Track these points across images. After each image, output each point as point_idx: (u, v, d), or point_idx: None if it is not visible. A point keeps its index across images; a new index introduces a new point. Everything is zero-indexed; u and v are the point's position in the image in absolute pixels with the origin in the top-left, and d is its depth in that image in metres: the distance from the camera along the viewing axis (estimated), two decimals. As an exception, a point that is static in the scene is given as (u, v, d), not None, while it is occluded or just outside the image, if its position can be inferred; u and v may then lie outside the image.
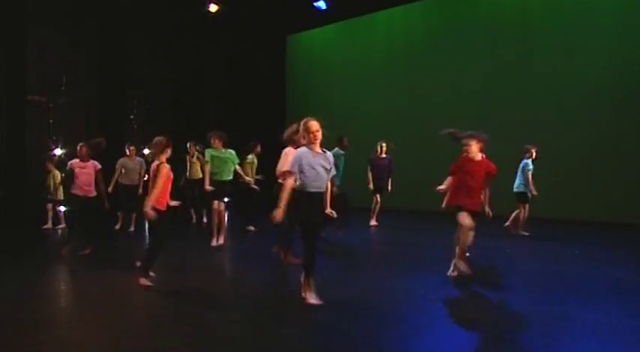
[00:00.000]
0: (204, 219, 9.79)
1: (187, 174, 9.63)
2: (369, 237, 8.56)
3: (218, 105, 14.39)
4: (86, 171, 6.53)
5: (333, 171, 4.22)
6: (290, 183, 3.97)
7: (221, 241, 7.02)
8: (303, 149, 4.06)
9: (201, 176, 9.27)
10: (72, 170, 6.55)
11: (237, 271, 6.15)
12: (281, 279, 5.39)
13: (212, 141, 6.99)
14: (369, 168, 8.88)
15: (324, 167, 4.04)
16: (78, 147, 6.66)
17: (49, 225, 9.09)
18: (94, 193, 6.60)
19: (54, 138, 10.76)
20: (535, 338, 3.53)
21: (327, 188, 4.17)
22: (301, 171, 3.97)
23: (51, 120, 10.75)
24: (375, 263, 5.71)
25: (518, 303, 4.41)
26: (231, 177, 7.15)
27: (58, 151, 10.71)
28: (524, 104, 10.39)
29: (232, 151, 7.14)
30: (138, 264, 5.71)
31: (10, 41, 10.29)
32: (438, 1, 12.07)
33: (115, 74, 11.84)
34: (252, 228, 8.65)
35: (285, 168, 4.08)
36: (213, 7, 12.45)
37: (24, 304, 4.40)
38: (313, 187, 4.01)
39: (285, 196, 3.95)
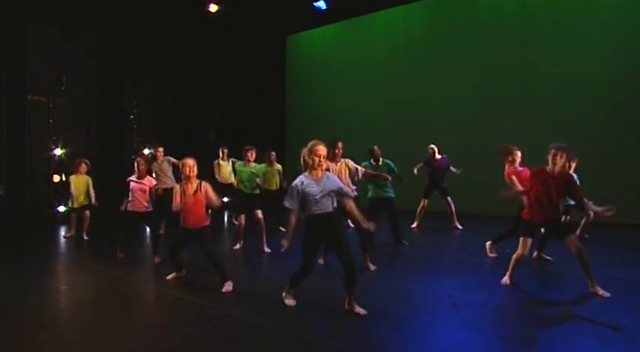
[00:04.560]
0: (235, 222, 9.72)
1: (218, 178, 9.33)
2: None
3: (218, 104, 14.40)
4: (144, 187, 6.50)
5: (345, 189, 4.18)
6: (293, 219, 4.00)
7: (266, 248, 6.93)
8: (302, 177, 4.04)
9: (230, 181, 9.21)
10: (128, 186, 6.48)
11: (239, 271, 6.14)
12: (283, 279, 5.39)
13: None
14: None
15: (326, 192, 4.00)
16: (138, 163, 6.54)
17: (73, 232, 8.30)
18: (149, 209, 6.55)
19: (54, 138, 10.76)
20: (535, 338, 3.54)
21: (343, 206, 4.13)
22: (304, 201, 3.98)
23: (51, 120, 10.75)
24: (374, 263, 5.71)
25: (517, 304, 4.42)
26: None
27: (58, 151, 10.72)
28: (524, 104, 10.39)
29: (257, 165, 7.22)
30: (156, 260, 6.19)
31: (10, 41, 10.29)
32: (438, 1, 12.07)
33: (115, 74, 11.84)
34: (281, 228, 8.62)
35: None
36: (213, 7, 12.44)
37: (24, 304, 4.41)
38: (316, 211, 3.99)
39: (290, 231, 4.02)
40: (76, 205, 8.14)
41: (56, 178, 10.70)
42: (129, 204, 6.48)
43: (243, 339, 3.54)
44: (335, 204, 4.07)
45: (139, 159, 6.74)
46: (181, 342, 3.44)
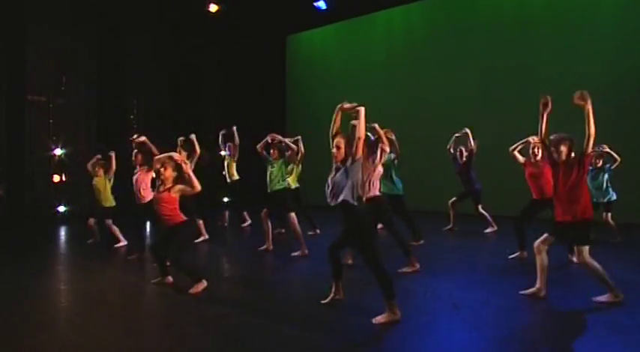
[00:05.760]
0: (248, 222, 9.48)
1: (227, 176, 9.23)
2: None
3: (217, 105, 14.39)
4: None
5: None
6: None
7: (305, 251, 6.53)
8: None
9: (237, 177, 9.12)
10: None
11: (239, 271, 6.15)
12: (283, 279, 5.39)
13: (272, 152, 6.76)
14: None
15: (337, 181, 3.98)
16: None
17: (98, 238, 7.45)
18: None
19: (54, 138, 10.76)
20: (535, 338, 3.54)
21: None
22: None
23: (51, 120, 10.75)
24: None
25: (517, 304, 4.41)
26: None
27: (58, 151, 10.72)
28: (524, 104, 10.33)
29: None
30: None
31: (10, 41, 10.28)
32: (438, 1, 12.06)
33: (115, 74, 11.84)
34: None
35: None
36: (213, 7, 12.44)
37: (24, 304, 4.40)
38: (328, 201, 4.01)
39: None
40: (97, 208, 7.39)
41: (56, 178, 10.70)
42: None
43: (243, 339, 3.53)
44: (352, 199, 3.84)
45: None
46: (181, 342, 3.44)
